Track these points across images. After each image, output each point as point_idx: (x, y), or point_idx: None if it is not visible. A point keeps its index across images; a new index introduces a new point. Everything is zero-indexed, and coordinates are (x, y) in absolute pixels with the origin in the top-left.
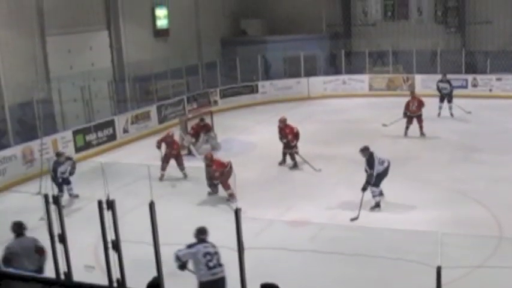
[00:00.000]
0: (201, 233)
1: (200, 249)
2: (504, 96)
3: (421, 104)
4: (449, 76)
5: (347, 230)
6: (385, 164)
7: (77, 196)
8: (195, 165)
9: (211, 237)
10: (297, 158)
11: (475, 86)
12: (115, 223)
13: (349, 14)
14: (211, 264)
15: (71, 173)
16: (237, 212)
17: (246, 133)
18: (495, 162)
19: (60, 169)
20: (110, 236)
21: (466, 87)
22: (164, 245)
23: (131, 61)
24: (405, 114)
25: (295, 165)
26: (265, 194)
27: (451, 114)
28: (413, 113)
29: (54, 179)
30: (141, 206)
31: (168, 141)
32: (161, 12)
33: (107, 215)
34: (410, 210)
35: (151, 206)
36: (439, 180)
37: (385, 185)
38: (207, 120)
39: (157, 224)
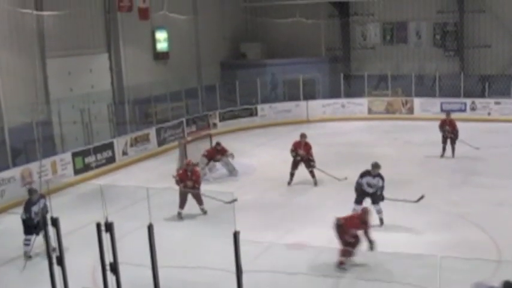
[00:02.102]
0: None
1: None
2: (503, 120)
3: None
4: (447, 100)
5: None
6: None
7: (29, 257)
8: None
9: (210, 261)
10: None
11: (473, 109)
12: (113, 245)
13: (348, 38)
14: None
15: (44, 213)
16: (236, 236)
17: (245, 156)
18: (494, 185)
19: (34, 209)
20: (108, 258)
21: (464, 110)
22: (163, 268)
23: (131, 84)
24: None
25: (316, 183)
26: (264, 217)
27: None
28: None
29: (27, 220)
30: (140, 229)
31: (189, 170)
32: (161, 36)
33: (106, 237)
34: (409, 233)
35: (150, 228)
36: (438, 203)
37: (384, 207)
38: (205, 143)
39: (156, 247)
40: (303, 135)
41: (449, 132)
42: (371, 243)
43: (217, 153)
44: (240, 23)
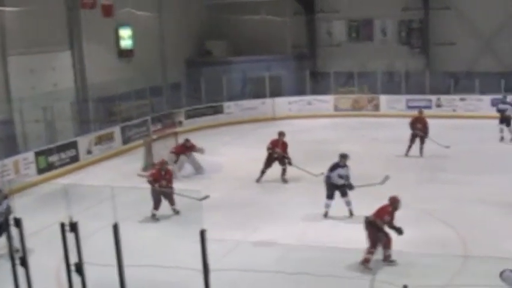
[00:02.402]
0: None
1: None
2: (468, 116)
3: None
4: (412, 97)
5: (314, 251)
6: None
7: None
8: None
9: (179, 261)
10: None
11: (439, 106)
12: (78, 245)
13: (314, 35)
14: None
15: (7, 214)
16: (203, 234)
17: (211, 154)
18: (460, 181)
19: None
20: (73, 258)
21: (430, 107)
22: (129, 267)
23: (94, 81)
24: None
25: (287, 180)
26: (231, 215)
27: None
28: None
29: None
30: (106, 228)
31: (163, 169)
32: (125, 33)
33: (70, 237)
34: None
35: (115, 228)
36: (405, 200)
37: (353, 202)
38: (171, 141)
39: (123, 247)
40: (281, 134)
41: (420, 130)
42: (398, 230)
43: (186, 150)
44: (205, 20)
